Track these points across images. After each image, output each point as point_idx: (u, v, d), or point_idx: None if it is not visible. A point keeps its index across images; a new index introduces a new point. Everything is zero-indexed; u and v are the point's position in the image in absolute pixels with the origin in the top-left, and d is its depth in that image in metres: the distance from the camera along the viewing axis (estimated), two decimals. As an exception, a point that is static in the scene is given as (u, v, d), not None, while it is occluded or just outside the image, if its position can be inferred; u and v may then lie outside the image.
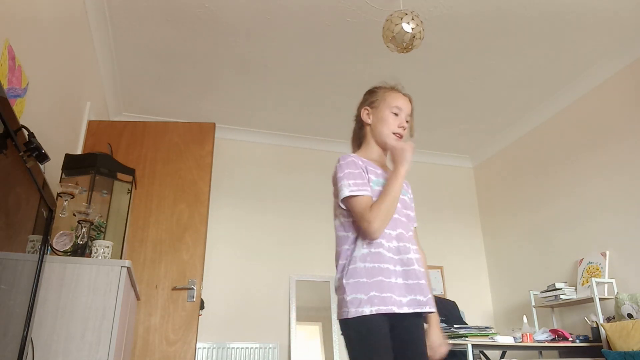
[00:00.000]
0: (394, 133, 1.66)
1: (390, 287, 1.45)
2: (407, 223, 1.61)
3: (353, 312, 1.42)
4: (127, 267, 1.92)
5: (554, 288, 3.76)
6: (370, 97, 1.73)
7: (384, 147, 1.69)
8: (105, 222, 2.34)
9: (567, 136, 4.18)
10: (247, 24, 3.30)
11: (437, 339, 1.60)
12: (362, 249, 1.49)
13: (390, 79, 1.78)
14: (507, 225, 4.80)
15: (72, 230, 2.14)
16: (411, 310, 1.47)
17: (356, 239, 1.52)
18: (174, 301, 2.95)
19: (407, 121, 1.69)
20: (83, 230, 2.09)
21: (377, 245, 1.49)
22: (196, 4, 3.11)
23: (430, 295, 1.52)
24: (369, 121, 1.70)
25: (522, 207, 4.61)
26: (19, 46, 1.86)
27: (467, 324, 3.74)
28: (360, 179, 1.54)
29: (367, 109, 1.71)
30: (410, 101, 1.73)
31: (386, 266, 1.47)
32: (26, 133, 1.35)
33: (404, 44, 2.66)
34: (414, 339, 1.51)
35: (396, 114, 1.67)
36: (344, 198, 1.52)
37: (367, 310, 1.41)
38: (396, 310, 1.43)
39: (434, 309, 1.53)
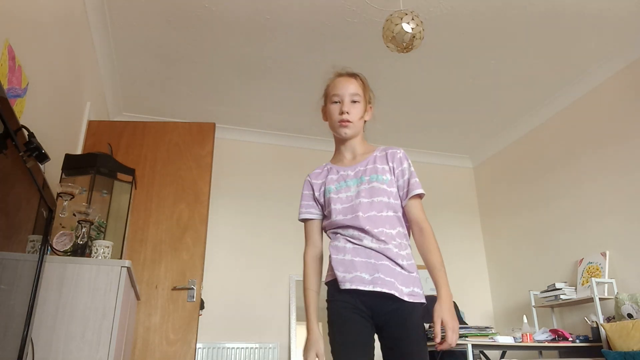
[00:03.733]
0: (339, 122, 1.58)
1: None
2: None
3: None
4: (127, 267, 1.92)
5: (554, 288, 3.76)
6: (323, 97, 1.69)
7: (341, 140, 1.65)
8: (105, 222, 2.34)
9: (567, 136, 4.18)
10: (247, 24, 3.30)
11: None
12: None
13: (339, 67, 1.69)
14: (507, 225, 4.80)
15: (72, 230, 2.14)
16: None
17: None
18: (174, 301, 2.95)
19: (355, 101, 1.58)
20: (83, 230, 2.09)
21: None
22: (196, 4, 3.11)
23: None
24: (325, 121, 1.67)
25: (522, 207, 4.61)
26: (19, 46, 1.86)
27: (467, 324, 3.74)
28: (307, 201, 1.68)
29: (322, 110, 1.68)
30: (355, 77, 1.63)
31: None
32: (26, 133, 1.35)
33: (404, 44, 2.66)
34: None
35: (336, 102, 1.59)
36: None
37: None
38: None
39: None
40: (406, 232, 1.57)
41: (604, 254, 3.61)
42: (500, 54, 3.64)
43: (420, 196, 1.57)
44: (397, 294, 1.41)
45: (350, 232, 1.52)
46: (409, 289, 1.44)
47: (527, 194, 4.56)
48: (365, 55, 3.61)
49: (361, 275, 1.44)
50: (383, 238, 1.47)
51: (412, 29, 2.60)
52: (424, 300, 1.47)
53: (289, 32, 3.40)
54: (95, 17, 3.09)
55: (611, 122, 3.75)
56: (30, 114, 2.03)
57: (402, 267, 1.46)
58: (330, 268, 1.54)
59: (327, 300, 1.54)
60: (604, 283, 3.50)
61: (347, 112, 1.57)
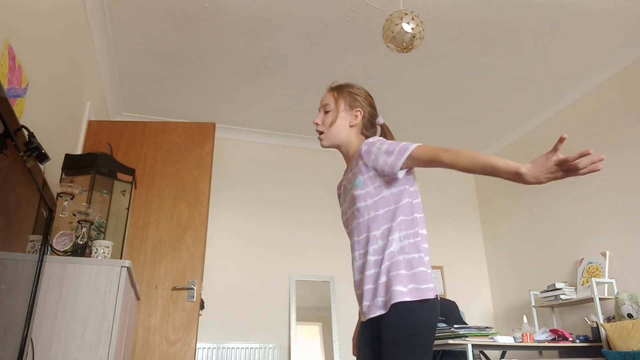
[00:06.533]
0: None
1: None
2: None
3: None
4: (127, 267, 1.92)
5: (554, 288, 3.76)
6: None
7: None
8: (105, 222, 2.34)
9: (567, 136, 4.17)
10: (247, 23, 3.30)
11: None
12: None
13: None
14: (507, 225, 4.80)
15: (72, 230, 2.14)
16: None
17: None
18: (174, 301, 2.95)
19: (326, 111, 1.65)
20: (83, 230, 2.09)
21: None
22: (196, 4, 3.11)
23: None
24: None
25: (522, 207, 4.61)
26: (19, 46, 1.86)
27: (467, 324, 3.74)
28: None
29: None
30: (332, 89, 1.70)
31: None
32: (26, 133, 1.35)
33: (404, 44, 2.66)
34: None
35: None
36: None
37: None
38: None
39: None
40: (397, 225, 1.42)
41: (604, 254, 3.61)
42: (501, 54, 3.64)
43: (419, 149, 1.38)
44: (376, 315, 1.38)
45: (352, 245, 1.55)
46: (383, 298, 1.37)
47: (527, 194, 4.56)
48: (366, 55, 3.61)
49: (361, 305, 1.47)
50: (362, 250, 1.46)
51: (412, 29, 2.60)
52: (404, 299, 1.32)
53: (289, 32, 3.40)
54: (95, 17, 3.09)
55: (611, 122, 3.75)
56: (30, 114, 2.03)
57: (375, 278, 1.40)
58: None
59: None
60: (604, 283, 3.50)
61: (316, 123, 1.66)
